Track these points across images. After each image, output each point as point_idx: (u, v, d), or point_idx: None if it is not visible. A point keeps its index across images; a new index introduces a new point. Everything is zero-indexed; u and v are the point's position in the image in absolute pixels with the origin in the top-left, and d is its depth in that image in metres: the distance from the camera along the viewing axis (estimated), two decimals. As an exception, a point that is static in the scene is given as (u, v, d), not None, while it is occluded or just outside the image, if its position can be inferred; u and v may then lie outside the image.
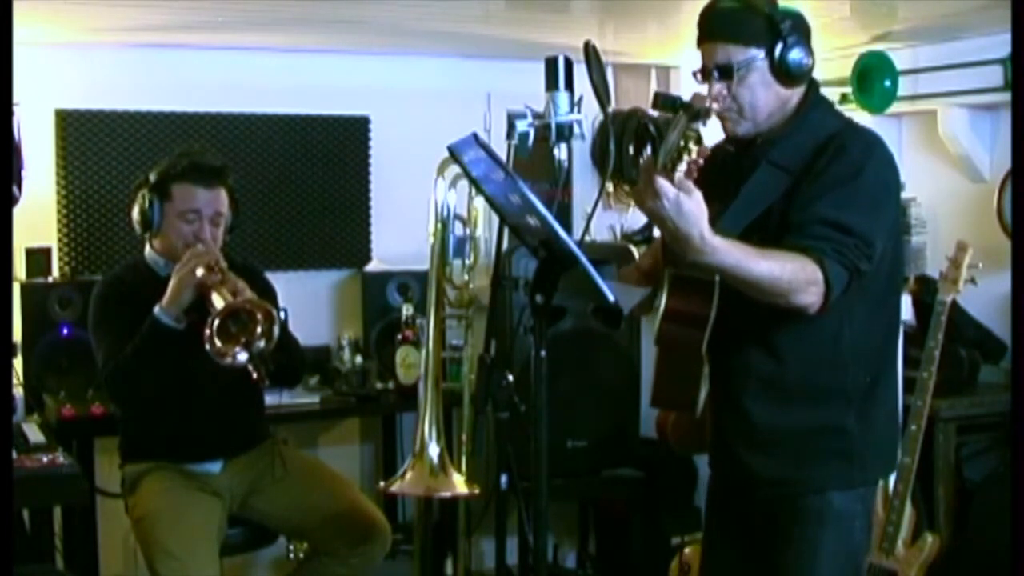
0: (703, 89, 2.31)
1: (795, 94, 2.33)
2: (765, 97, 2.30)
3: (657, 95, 2.25)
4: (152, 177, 3.18)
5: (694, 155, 1.97)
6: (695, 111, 2.01)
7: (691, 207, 1.99)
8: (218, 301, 2.91)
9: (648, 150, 4.69)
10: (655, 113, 4.74)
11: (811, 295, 2.14)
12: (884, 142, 2.32)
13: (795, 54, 2.26)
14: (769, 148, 2.32)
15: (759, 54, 2.26)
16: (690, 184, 2.00)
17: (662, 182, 1.97)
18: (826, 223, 2.17)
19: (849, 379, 2.32)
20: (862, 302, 2.29)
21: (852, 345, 2.31)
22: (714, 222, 2.10)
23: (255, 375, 2.84)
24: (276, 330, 2.86)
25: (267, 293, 3.28)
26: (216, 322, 2.84)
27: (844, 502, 2.33)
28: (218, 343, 2.83)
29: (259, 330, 2.86)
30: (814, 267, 2.13)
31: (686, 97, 2.13)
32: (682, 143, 1.95)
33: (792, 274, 2.12)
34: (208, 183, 3.17)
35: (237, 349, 2.85)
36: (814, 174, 2.24)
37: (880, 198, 2.25)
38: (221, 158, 3.35)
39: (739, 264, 2.09)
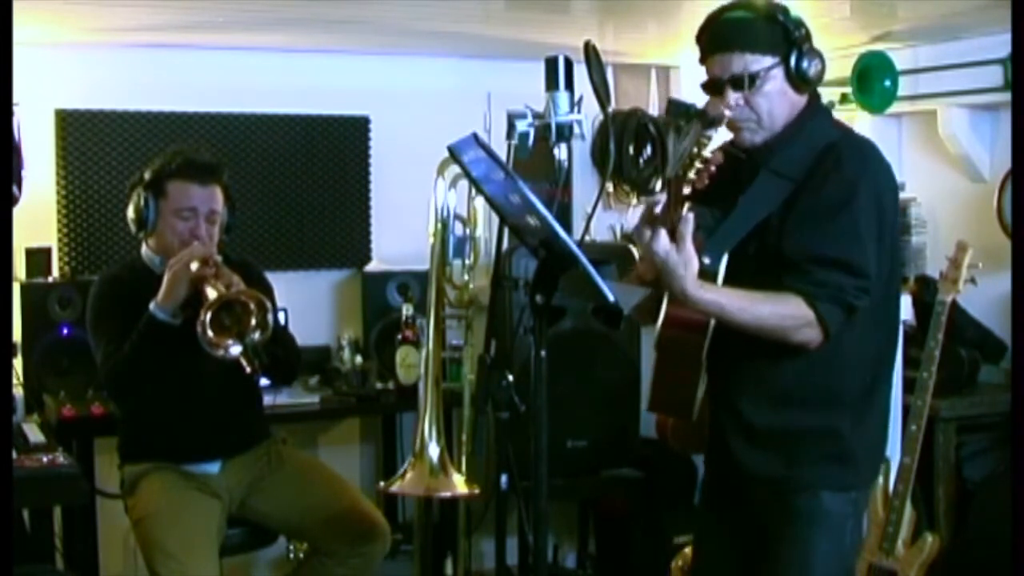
0: (708, 99, 2.32)
1: (803, 100, 2.34)
2: (781, 105, 2.31)
3: (671, 102, 2.26)
4: (147, 175, 3.17)
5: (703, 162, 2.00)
6: (710, 119, 2.09)
7: (675, 263, 2.10)
8: (212, 294, 2.89)
9: (648, 150, 4.69)
10: (655, 113, 4.75)
11: (805, 335, 2.22)
12: (879, 152, 2.33)
13: (810, 61, 2.29)
14: (769, 155, 2.32)
15: (776, 62, 2.28)
16: (686, 235, 2.09)
17: (661, 239, 2.09)
18: (823, 262, 2.20)
19: (847, 383, 2.33)
20: (863, 308, 2.29)
21: (853, 350, 2.31)
22: (714, 228, 2.11)
23: (248, 368, 2.83)
24: (270, 319, 2.86)
25: (263, 290, 3.26)
26: (209, 313, 2.83)
27: (835, 503, 2.34)
28: (211, 335, 2.82)
29: (253, 322, 2.85)
30: (806, 309, 2.20)
31: (689, 103, 2.17)
32: (695, 150, 1.99)
33: (780, 319, 2.21)
34: (203, 180, 3.16)
35: (230, 341, 2.85)
36: (810, 190, 2.26)
37: (873, 218, 2.25)
38: (216, 157, 3.33)
39: (723, 314, 2.19)
